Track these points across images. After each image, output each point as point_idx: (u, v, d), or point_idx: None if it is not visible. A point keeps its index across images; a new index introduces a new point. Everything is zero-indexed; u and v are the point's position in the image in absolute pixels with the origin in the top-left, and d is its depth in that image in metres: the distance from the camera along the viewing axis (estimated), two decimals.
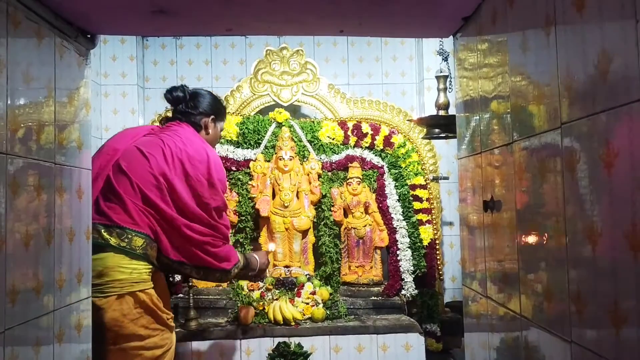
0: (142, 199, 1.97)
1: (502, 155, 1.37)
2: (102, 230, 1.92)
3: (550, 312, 1.12)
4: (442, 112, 2.70)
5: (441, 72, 2.72)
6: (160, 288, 2.09)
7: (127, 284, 1.92)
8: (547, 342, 1.14)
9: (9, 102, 1.20)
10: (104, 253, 1.91)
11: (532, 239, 1.20)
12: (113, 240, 1.92)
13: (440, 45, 2.67)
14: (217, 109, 2.29)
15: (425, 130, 2.90)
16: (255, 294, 2.87)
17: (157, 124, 2.44)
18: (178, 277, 2.50)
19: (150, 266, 2.00)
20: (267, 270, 2.72)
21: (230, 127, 3.17)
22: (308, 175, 3.16)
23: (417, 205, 3.19)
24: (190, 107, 2.22)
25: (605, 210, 0.89)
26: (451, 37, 1.78)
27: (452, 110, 2.68)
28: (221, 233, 2.10)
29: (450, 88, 2.66)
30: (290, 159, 3.13)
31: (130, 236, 1.94)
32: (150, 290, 1.98)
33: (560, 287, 1.06)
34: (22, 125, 1.27)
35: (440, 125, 2.71)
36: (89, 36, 1.67)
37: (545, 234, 1.13)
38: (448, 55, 2.65)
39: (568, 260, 1.02)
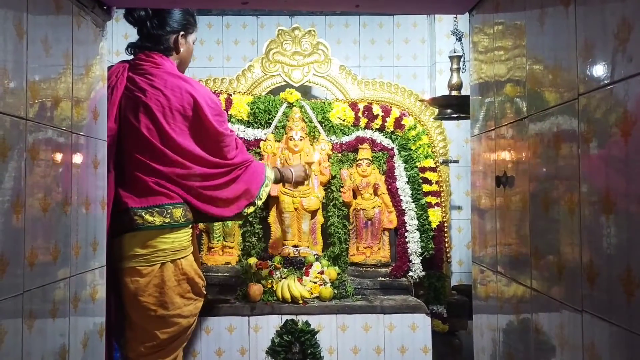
0: (161, 175, 2.00)
1: (516, 130, 1.37)
2: (143, 214, 1.96)
3: (561, 283, 1.13)
4: (454, 93, 2.69)
5: (455, 52, 2.70)
6: (195, 254, 2.16)
7: (169, 253, 2.01)
8: (558, 313, 1.15)
9: (27, 70, 1.22)
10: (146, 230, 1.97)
11: (544, 211, 1.21)
12: (158, 220, 1.96)
13: (455, 25, 2.65)
14: (186, 21, 2.14)
15: (436, 111, 2.89)
16: (264, 272, 2.90)
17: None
18: None
19: (190, 231, 2.08)
20: (307, 179, 2.74)
21: (241, 106, 3.18)
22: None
23: (426, 187, 3.19)
24: (155, 26, 2.09)
25: (621, 179, 0.90)
26: (467, 14, 1.78)
27: (464, 92, 2.67)
28: (240, 162, 2.13)
29: (463, 69, 2.64)
30: (301, 140, 3.13)
31: (170, 210, 1.99)
32: (189, 257, 2.07)
33: (573, 257, 1.07)
34: (40, 92, 1.28)
35: (452, 105, 2.70)
36: (105, 8, 1.68)
37: (558, 205, 1.13)
38: (462, 35, 2.63)
39: (581, 229, 1.03)
